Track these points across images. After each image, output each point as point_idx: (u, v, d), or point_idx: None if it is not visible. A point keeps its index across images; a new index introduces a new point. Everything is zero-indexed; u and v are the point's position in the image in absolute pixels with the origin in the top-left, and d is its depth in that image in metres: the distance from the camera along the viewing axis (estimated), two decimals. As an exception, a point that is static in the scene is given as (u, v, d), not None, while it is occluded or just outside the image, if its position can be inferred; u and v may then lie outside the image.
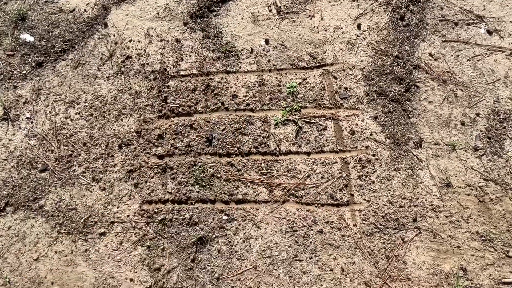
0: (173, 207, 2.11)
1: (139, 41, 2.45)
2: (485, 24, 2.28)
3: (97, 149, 2.25)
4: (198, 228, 2.06)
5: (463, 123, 2.12)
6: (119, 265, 2.04)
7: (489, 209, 1.97)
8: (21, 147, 2.29)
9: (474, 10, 2.31)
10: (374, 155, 2.10)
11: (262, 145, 2.17)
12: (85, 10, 2.57)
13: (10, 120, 2.36)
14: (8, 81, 2.44)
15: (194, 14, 2.47)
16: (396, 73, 2.23)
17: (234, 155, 2.17)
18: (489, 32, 2.26)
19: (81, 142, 2.27)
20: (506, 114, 2.11)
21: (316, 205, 2.05)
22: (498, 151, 2.06)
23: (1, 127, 2.35)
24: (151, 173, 2.18)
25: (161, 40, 2.44)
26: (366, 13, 2.38)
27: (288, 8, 2.44)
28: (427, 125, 2.13)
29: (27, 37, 2.51)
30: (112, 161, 2.21)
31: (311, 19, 2.40)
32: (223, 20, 2.45)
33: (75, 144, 2.27)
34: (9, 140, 2.32)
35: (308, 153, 2.14)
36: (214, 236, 2.04)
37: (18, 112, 2.37)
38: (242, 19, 2.45)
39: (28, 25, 2.55)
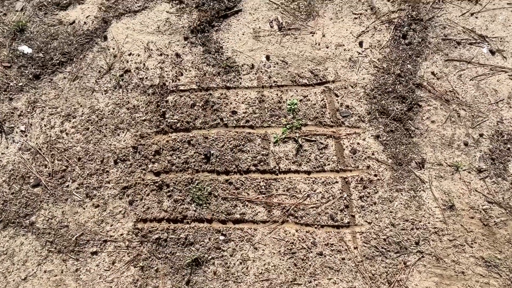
0: (169, 226, 2.04)
1: (139, 55, 2.42)
2: (488, 44, 2.26)
3: (92, 164, 2.19)
4: (193, 248, 1.99)
5: (466, 144, 2.08)
6: (111, 286, 1.96)
7: (494, 233, 1.91)
8: (14, 161, 2.23)
9: (476, 30, 2.29)
10: (375, 175, 2.05)
11: (262, 163, 2.12)
12: (85, 22, 2.55)
13: (4, 133, 2.30)
14: (3, 93, 2.39)
15: (195, 29, 2.45)
16: (398, 91, 2.19)
17: (233, 173, 2.12)
18: (492, 52, 2.24)
19: (76, 157, 2.21)
20: (510, 135, 2.07)
21: (316, 226, 1.98)
22: (502, 173, 2.01)
23: (-5, 140, 2.30)
24: (146, 190, 2.12)
25: (161, 54, 2.41)
26: (368, 31, 2.36)
27: (290, 25, 2.42)
28: (430, 145, 2.09)
29: (25, 48, 2.48)
30: (107, 177, 2.16)
31: (312, 35, 2.38)
32: (224, 35, 2.43)
33: (69, 159, 2.21)
34: (2, 153, 2.26)
35: (308, 172, 2.09)
36: (210, 257, 1.97)
37: (13, 125, 2.32)
38: (243, 34, 2.42)
39: (27, 37, 2.52)
